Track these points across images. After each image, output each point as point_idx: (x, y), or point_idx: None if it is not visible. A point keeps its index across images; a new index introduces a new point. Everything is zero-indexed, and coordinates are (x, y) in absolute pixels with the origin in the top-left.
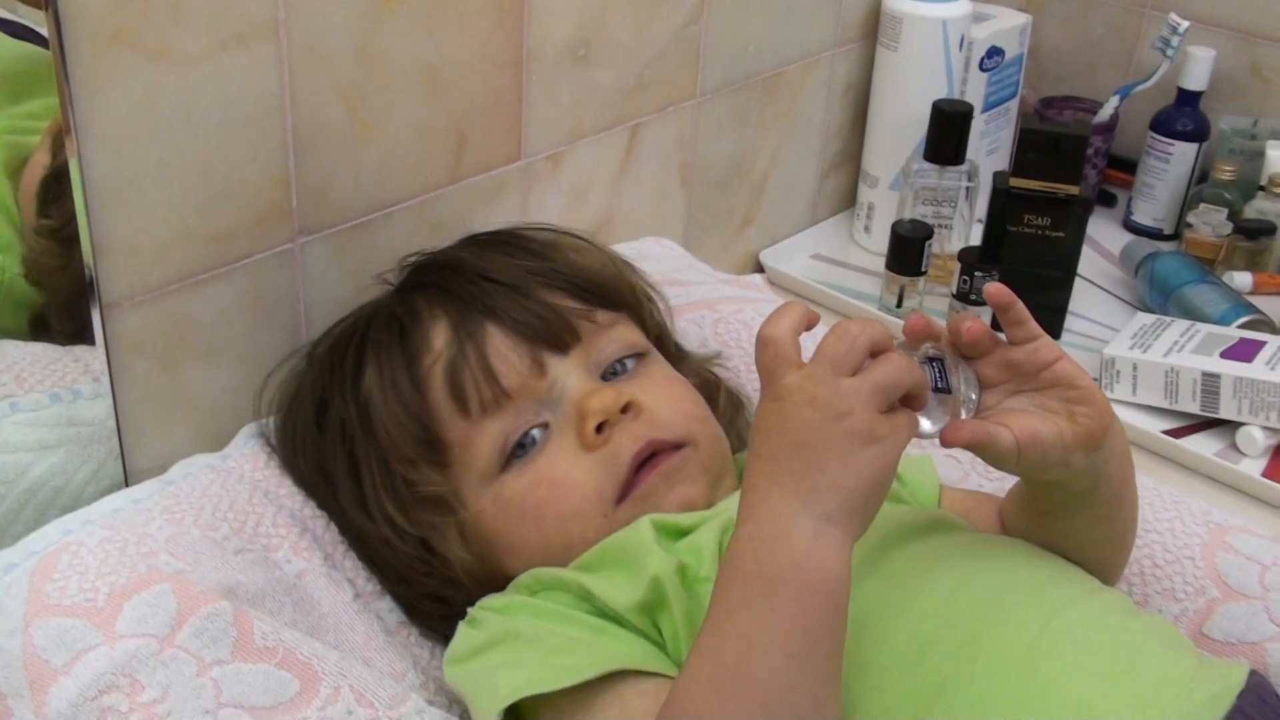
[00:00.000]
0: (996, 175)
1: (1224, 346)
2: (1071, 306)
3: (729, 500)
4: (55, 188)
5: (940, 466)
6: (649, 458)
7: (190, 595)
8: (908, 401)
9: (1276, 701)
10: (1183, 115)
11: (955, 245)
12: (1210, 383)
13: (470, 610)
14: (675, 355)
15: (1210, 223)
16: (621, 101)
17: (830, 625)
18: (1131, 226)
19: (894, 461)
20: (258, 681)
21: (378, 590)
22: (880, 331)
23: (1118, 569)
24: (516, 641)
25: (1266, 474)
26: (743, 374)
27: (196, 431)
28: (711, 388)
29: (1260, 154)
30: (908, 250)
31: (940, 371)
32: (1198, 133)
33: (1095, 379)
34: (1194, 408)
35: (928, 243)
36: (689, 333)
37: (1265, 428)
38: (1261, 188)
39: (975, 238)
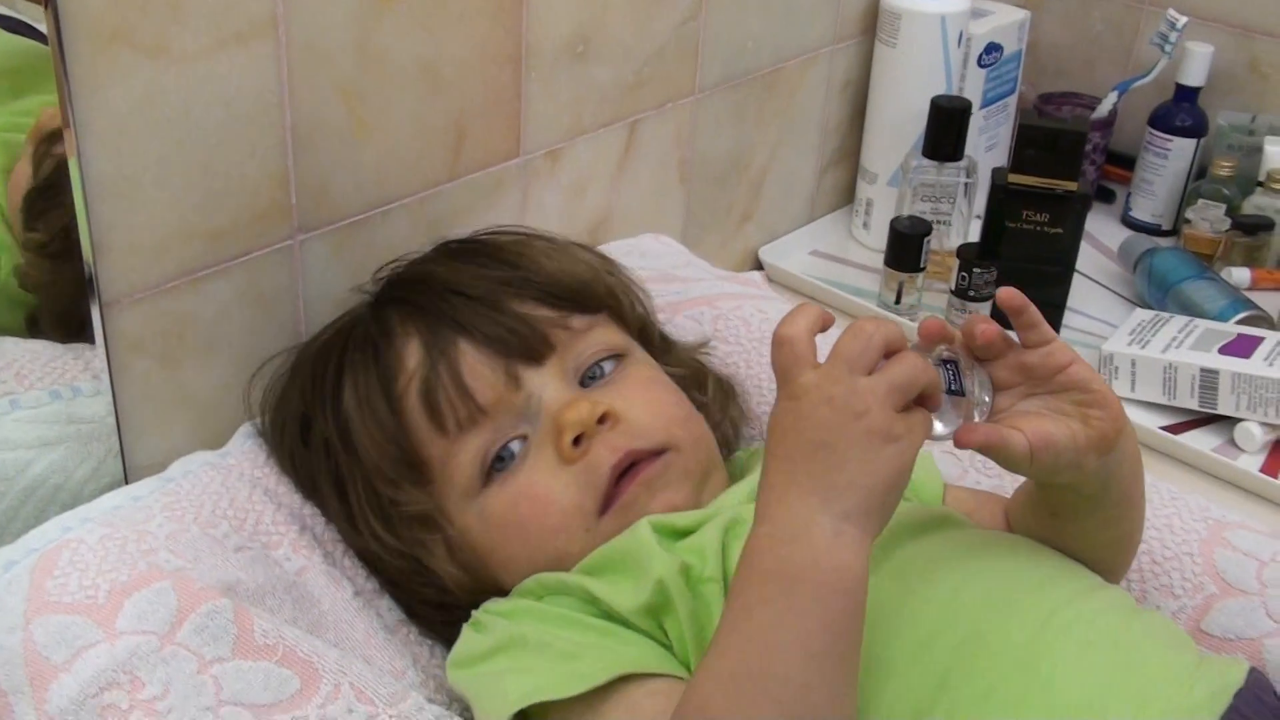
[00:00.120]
0: (995, 171)
1: (1222, 342)
2: (1070, 302)
3: (725, 497)
4: (39, 203)
5: (939, 463)
6: (629, 467)
7: (190, 592)
8: (922, 402)
9: (1274, 699)
10: (1181, 111)
11: (954, 241)
12: (1209, 379)
13: (474, 613)
14: (660, 346)
15: (1208, 218)
16: (620, 98)
17: (849, 624)
18: (1130, 222)
19: (911, 460)
20: (258, 679)
21: (377, 588)
22: (895, 331)
23: (1123, 569)
24: (524, 647)
25: (1265, 470)
26: (741, 370)
27: (196, 429)
28: (700, 376)
29: (1258, 149)
30: (906, 246)
31: (954, 374)
32: (1196, 128)
33: None
34: (1192, 404)
35: (926, 239)
36: (688, 329)
37: (1263, 423)
38: (1260, 183)
39: (974, 234)
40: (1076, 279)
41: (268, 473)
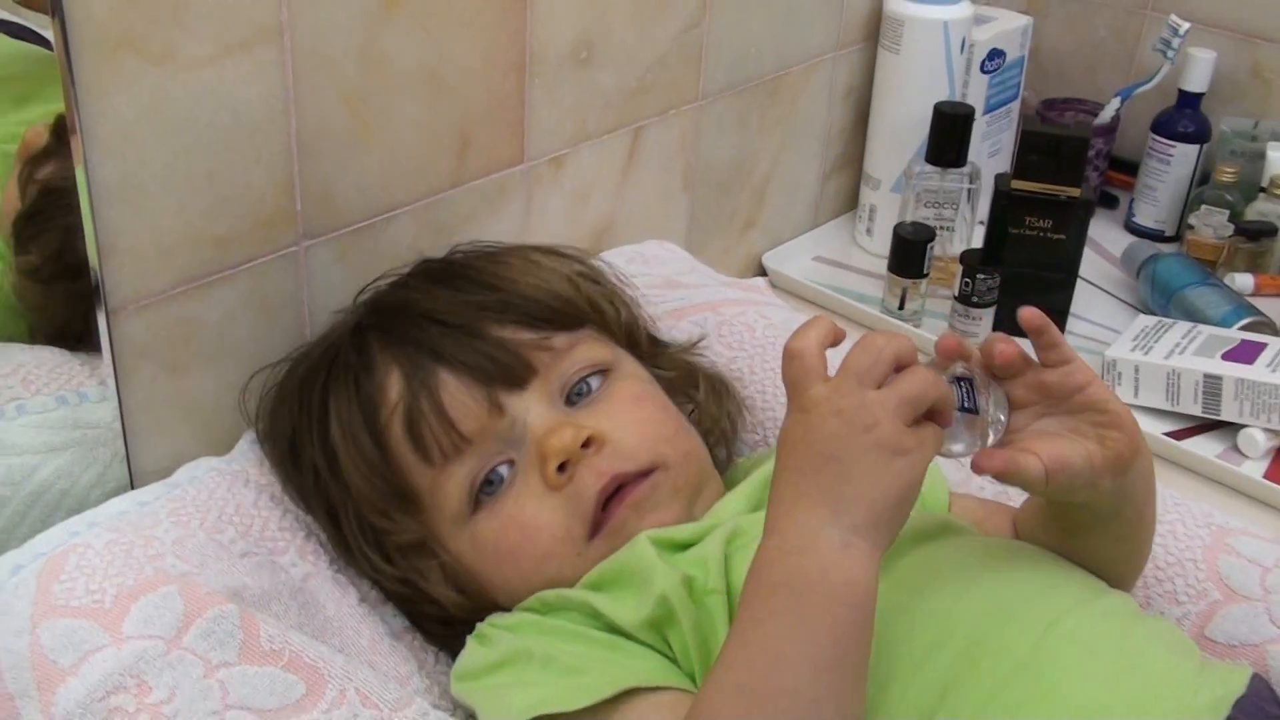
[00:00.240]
0: (998, 177)
1: (1225, 348)
2: (1073, 308)
3: (722, 507)
4: (28, 228)
5: (944, 470)
6: (617, 490)
7: (197, 597)
8: (933, 417)
9: (1276, 706)
10: (1184, 117)
11: (957, 247)
12: (1212, 385)
13: (479, 626)
14: (649, 350)
15: (1211, 224)
16: (624, 104)
17: (857, 637)
18: (1133, 228)
19: (921, 474)
20: (264, 684)
21: (383, 595)
22: (906, 345)
23: (1132, 579)
24: (530, 661)
25: (1268, 476)
26: (745, 375)
27: (201, 434)
28: (691, 377)
29: (1261, 155)
30: (909, 253)
31: (968, 391)
32: (1199, 134)
33: None
34: (1195, 410)
35: (929, 245)
36: (692, 335)
37: (1267, 430)
38: (1263, 189)
39: (977, 240)
40: (1080, 285)
41: (274, 479)
